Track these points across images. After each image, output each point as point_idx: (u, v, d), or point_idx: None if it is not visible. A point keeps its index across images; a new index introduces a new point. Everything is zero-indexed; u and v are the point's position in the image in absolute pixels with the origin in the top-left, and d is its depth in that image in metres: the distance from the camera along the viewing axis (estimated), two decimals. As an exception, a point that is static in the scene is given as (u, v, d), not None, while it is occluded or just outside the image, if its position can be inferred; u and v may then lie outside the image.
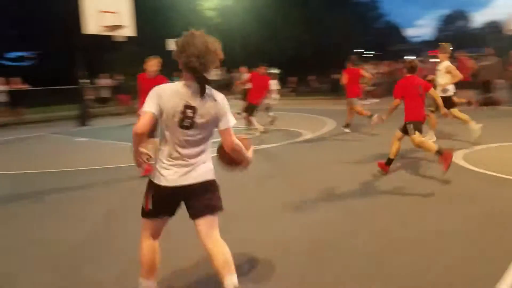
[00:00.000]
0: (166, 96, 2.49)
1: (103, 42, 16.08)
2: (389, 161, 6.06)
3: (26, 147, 10.27)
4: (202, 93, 2.49)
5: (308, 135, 10.09)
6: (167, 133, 2.56)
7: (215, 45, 2.52)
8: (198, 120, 2.51)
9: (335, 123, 11.64)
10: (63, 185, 6.31)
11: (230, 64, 28.40)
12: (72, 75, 14.95)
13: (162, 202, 2.63)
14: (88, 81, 15.41)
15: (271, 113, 11.48)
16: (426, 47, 58.92)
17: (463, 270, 3.27)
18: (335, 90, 22.82)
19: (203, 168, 2.61)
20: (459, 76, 7.98)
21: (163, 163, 2.58)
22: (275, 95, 12.18)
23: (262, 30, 31.94)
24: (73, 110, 15.40)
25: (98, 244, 4.03)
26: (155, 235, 2.74)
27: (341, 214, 4.59)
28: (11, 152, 9.74)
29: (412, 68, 6.05)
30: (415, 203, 4.91)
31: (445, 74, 8.13)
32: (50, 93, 17.87)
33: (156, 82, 4.46)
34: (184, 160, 2.56)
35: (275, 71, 14.82)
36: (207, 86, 2.51)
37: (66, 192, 5.94)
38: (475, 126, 7.85)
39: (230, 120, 2.61)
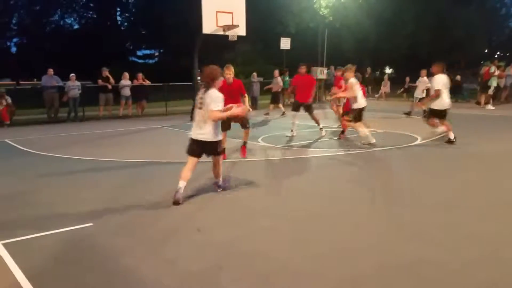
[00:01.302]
0: None
1: (218, 42, 16.79)
2: None
3: (143, 138, 11.14)
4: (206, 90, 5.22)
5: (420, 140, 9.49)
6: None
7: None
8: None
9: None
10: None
11: (343, 62, 27.96)
12: (190, 72, 15.81)
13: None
14: (199, 78, 16.16)
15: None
16: None
17: None
18: (455, 92, 21.27)
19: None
20: None
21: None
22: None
23: (377, 27, 30.77)
24: (188, 105, 16.36)
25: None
26: (192, 165, 5.41)
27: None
28: (131, 142, 10.63)
29: None
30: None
31: None
32: (169, 89, 19.16)
33: (233, 86, 7.64)
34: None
35: (388, 71, 14.24)
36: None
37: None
38: None
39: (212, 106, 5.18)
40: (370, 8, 29.62)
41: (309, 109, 10.62)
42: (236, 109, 5.69)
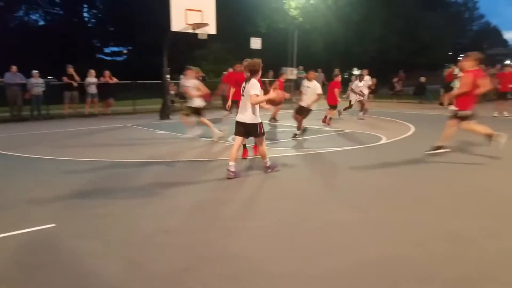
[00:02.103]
0: None
1: (189, 40, 16.62)
2: None
3: (110, 137, 10.89)
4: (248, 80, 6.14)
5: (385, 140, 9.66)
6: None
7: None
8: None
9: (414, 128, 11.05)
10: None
11: (313, 63, 28.19)
12: (159, 71, 15.61)
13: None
14: (168, 76, 15.98)
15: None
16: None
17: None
18: (419, 94, 21.82)
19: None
20: None
21: None
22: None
23: (346, 30, 31.19)
24: (157, 104, 16.15)
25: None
26: (238, 145, 6.40)
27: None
28: (97, 141, 10.36)
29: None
30: None
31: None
32: (136, 87, 18.85)
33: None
34: None
35: (356, 72, 14.61)
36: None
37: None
38: None
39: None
40: (339, 11, 30.02)
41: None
42: (272, 94, 6.51)
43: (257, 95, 6.10)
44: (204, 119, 9.99)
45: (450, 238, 4.02)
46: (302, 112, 10.15)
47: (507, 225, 4.38)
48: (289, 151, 8.73)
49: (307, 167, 7.40)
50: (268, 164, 6.61)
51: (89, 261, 3.59)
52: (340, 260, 3.58)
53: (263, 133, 6.47)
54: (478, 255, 3.66)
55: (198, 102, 9.85)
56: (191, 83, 9.96)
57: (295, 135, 10.13)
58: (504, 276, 3.29)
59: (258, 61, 6.31)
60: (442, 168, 7.04)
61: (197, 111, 9.90)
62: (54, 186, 6.05)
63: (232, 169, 6.23)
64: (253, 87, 6.11)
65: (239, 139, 6.41)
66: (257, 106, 6.27)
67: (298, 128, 10.16)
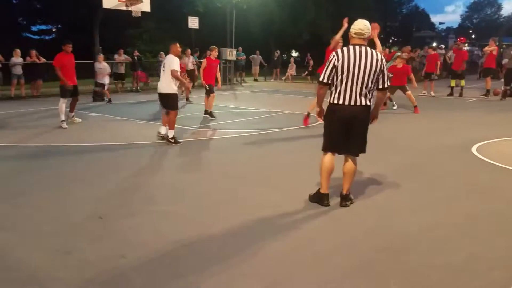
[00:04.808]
0: None
1: (122, 19, 15.96)
2: None
3: (38, 121, 10.27)
4: None
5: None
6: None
7: None
8: None
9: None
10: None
11: (251, 44, 28.04)
12: (91, 50, 14.89)
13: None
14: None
15: None
16: (451, 34, 57.27)
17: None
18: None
19: None
20: None
21: None
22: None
23: (281, 11, 31.32)
24: (90, 85, 15.42)
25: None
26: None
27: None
28: (24, 125, 9.74)
29: None
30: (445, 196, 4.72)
31: None
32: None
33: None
34: None
35: (294, 54, 14.63)
36: None
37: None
38: None
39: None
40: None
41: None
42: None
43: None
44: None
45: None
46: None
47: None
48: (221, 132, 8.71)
49: (247, 148, 7.43)
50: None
51: (10, 254, 3.38)
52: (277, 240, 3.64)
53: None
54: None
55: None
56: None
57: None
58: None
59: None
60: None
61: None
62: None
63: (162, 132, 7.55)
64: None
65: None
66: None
67: None
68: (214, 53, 10.40)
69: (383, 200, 4.62)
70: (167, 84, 7.31)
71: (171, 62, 7.23)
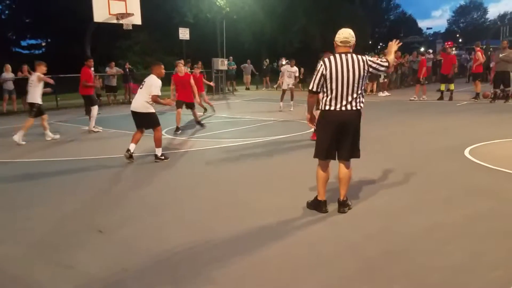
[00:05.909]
0: None
1: (113, 31, 15.99)
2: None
3: (30, 136, 10.21)
4: None
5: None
6: None
7: None
8: None
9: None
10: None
11: (243, 53, 28.16)
12: (82, 63, 14.84)
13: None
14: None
15: None
16: (438, 39, 57.94)
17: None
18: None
19: None
20: None
21: None
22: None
23: (271, 21, 31.60)
24: (81, 98, 15.33)
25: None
26: None
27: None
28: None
29: None
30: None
31: None
32: (58, 81, 17.79)
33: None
34: None
35: (284, 62, 14.65)
36: None
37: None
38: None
39: None
40: (264, 1, 30.36)
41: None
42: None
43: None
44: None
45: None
46: None
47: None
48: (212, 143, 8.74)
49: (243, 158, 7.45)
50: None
51: (12, 267, 3.37)
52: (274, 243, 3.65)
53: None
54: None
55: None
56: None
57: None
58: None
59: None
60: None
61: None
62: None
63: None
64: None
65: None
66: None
67: None
68: (179, 69, 9.91)
69: (381, 203, 4.67)
70: (142, 104, 6.81)
71: (151, 86, 6.72)
